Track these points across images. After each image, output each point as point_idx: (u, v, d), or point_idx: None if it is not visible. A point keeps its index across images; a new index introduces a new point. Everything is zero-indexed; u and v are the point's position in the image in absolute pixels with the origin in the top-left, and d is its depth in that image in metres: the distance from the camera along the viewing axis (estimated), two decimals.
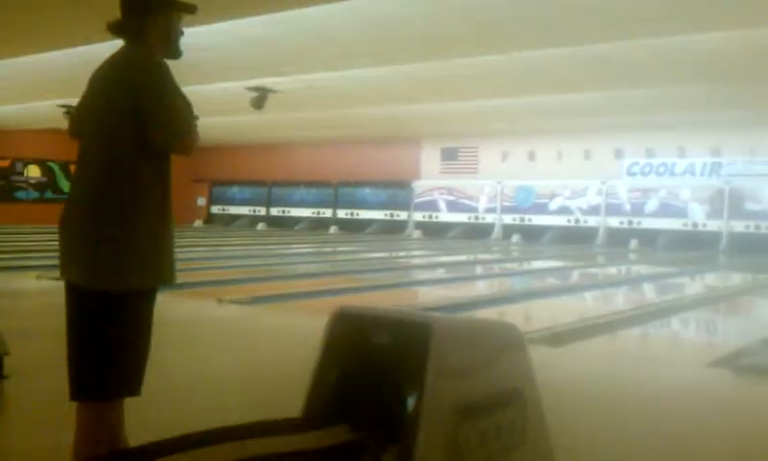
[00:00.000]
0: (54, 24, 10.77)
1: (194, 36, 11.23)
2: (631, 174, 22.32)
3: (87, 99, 2.67)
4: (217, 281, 10.47)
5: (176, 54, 2.74)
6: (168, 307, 8.46)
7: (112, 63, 2.63)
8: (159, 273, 2.57)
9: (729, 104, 16.82)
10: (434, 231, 24.55)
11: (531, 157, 24.00)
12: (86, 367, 2.48)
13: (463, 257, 18.13)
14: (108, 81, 2.60)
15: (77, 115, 2.72)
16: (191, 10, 2.74)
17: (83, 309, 2.49)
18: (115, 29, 2.67)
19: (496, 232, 23.73)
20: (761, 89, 14.96)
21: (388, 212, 25.77)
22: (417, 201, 25.34)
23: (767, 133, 20.01)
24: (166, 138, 2.52)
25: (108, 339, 2.47)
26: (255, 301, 8.42)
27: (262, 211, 28.87)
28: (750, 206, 20.16)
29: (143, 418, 3.60)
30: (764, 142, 20.37)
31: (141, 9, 2.63)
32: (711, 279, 14.98)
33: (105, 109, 2.55)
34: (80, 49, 12.07)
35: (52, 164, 26.90)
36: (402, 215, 25.55)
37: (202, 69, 13.24)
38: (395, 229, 25.26)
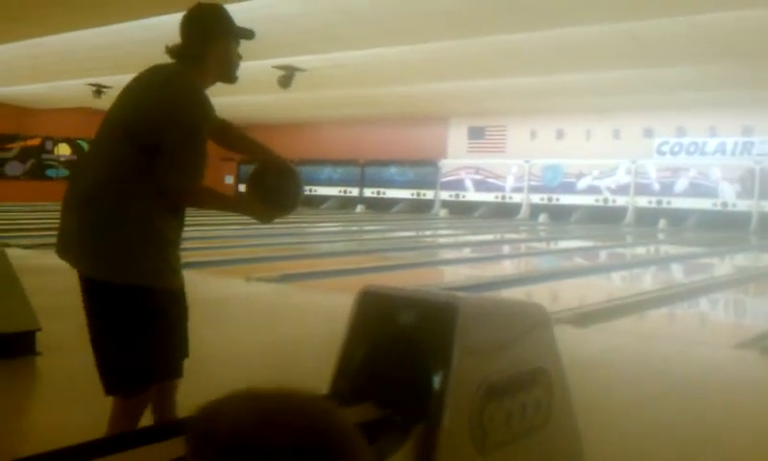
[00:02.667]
0: (81, 4, 10.85)
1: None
2: (660, 153, 22.07)
3: (126, 94, 2.67)
4: (245, 259, 10.56)
5: (232, 79, 2.79)
6: (195, 285, 8.54)
7: (161, 77, 2.63)
8: (161, 274, 2.57)
9: (760, 82, 16.54)
10: (461, 211, 24.50)
11: (559, 135, 23.81)
12: (105, 364, 2.53)
13: (489, 237, 18.09)
14: (149, 90, 2.61)
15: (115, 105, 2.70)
16: (250, 36, 2.78)
17: (100, 301, 2.53)
18: (175, 53, 2.68)
19: (523, 212, 23.62)
20: None
21: (414, 191, 25.74)
22: (443, 180, 25.27)
23: None
24: (168, 183, 2.49)
25: (123, 333, 2.51)
26: (283, 278, 8.48)
27: None
28: None
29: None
30: None
31: (203, 35, 2.67)
32: (741, 259, 14.82)
33: (135, 113, 2.57)
34: (106, 29, 12.17)
35: (81, 142, 27.17)
36: (429, 194, 25.50)
37: None
38: (421, 208, 25.24)
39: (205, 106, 2.61)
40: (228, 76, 2.77)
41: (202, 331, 5.55)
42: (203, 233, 14.46)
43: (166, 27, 13.37)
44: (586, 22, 11.27)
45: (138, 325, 2.50)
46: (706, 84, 16.75)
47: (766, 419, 3.93)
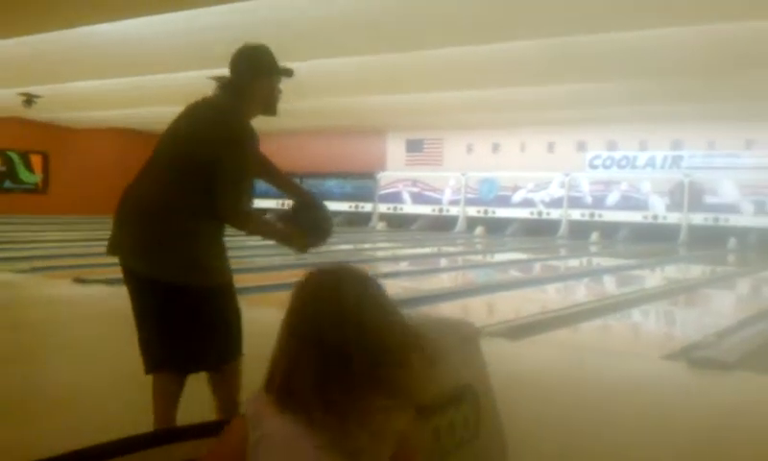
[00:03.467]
0: (10, 12, 10.57)
1: (156, 24, 11.11)
2: (593, 166, 22.56)
3: (181, 123, 3.10)
4: None
5: (273, 112, 3.22)
6: (127, 301, 8.37)
7: (215, 110, 3.07)
8: (209, 273, 3.00)
9: (689, 98, 17.05)
10: (398, 223, 24.59)
11: (495, 149, 24.14)
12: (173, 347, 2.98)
13: (427, 249, 18.18)
14: (205, 121, 3.04)
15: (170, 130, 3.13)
16: (290, 74, 3.20)
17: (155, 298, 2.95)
18: (224, 86, 3.11)
19: (460, 225, 23.83)
20: (720, 84, 15.20)
21: (353, 204, 25.74)
22: (381, 192, 25.35)
23: (726, 126, 20.33)
24: (223, 206, 2.92)
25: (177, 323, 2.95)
26: None
27: None
28: (709, 198, 20.48)
29: (95, 414, 3.56)
30: (723, 135, 20.71)
31: (251, 72, 3.11)
32: (671, 271, 15.21)
33: (192, 141, 2.99)
34: (37, 38, 11.87)
35: (11, 154, 26.39)
36: (367, 207, 25.54)
37: (164, 57, 13.10)
38: (359, 220, 25.24)
39: (254, 138, 3.04)
40: (271, 109, 3.20)
41: (137, 350, 5.44)
42: None
43: (99, 36, 13.10)
44: (519, 38, 11.45)
45: (201, 314, 2.95)
46: (636, 98, 17.19)
47: (691, 429, 4.01)
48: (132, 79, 16.06)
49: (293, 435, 1.47)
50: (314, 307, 1.54)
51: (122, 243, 3.01)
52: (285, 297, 1.62)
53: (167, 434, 2.09)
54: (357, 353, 1.49)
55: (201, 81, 15.59)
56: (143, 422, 2.74)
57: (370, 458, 1.50)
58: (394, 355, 1.53)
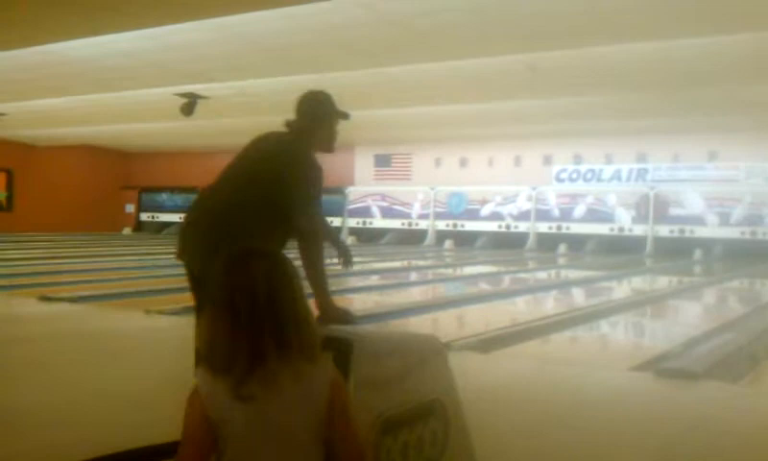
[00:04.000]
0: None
1: (120, 42, 11.04)
2: (559, 180, 22.76)
3: (252, 154, 3.57)
4: (145, 291, 10.25)
5: (331, 150, 3.70)
6: (92, 319, 8.27)
7: (285, 144, 3.56)
8: None
9: (653, 112, 17.31)
10: (368, 238, 24.59)
11: (463, 163, 24.27)
12: None
13: (397, 263, 18.19)
14: (278, 154, 3.49)
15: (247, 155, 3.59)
16: (347, 117, 3.68)
17: None
18: (289, 125, 3.62)
19: (429, 238, 23.90)
20: (684, 98, 15.45)
21: None
22: (350, 207, 25.35)
23: (690, 139, 20.66)
24: (300, 225, 3.34)
25: None
26: (186, 311, 8.26)
27: None
28: (674, 210, 20.76)
29: (62, 434, 3.51)
30: (688, 148, 21.03)
31: (311, 117, 3.62)
32: (638, 282, 15.36)
33: (266, 171, 3.43)
34: (0, 55, 11.75)
35: None
36: (336, 221, 25.49)
37: (128, 75, 13.02)
38: None
39: (321, 168, 3.48)
40: (329, 148, 3.69)
41: (102, 369, 5.38)
42: (100, 265, 14.02)
43: (63, 54, 12.95)
44: (487, 54, 11.56)
45: None
46: (601, 113, 17.41)
47: (659, 438, 4.04)
48: (97, 96, 15.92)
49: (223, 391, 1.73)
50: (227, 279, 1.80)
51: (193, 252, 3.52)
52: None
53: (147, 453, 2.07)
54: (267, 317, 1.75)
55: (165, 98, 15.59)
56: (114, 439, 2.70)
57: (295, 410, 1.75)
58: (297, 317, 1.79)
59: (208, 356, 1.76)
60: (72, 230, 25.52)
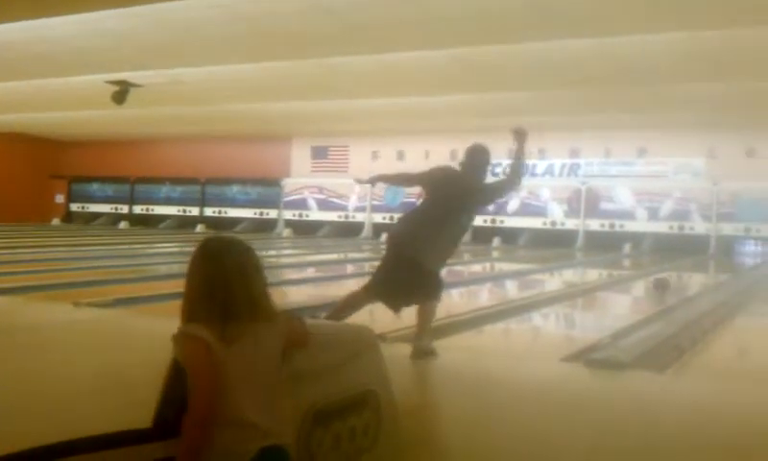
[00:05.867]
0: None
1: (48, 28, 10.72)
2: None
3: (446, 184, 6.18)
4: (73, 283, 10.00)
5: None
6: (18, 311, 8.03)
7: (468, 176, 6.36)
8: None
9: (586, 107, 17.63)
10: (304, 230, 24.46)
11: (400, 156, 24.32)
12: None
13: (333, 256, 18.15)
14: (465, 183, 6.25)
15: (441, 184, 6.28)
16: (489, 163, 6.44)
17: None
18: (461, 165, 6.14)
19: (366, 231, 23.90)
20: (616, 95, 15.78)
21: (257, 211, 25.48)
22: (287, 199, 25.18)
23: (621, 135, 21.11)
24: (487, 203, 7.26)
25: None
26: (117, 303, 8.09)
27: (125, 209, 27.85)
28: (604, 205, 21.21)
29: None
30: (619, 144, 21.50)
31: (469, 163, 6.35)
32: (569, 275, 15.66)
33: (465, 195, 6.20)
34: None
35: None
36: (272, 214, 25.32)
37: (56, 61, 12.66)
38: (264, 227, 25.00)
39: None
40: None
41: (27, 362, 5.22)
42: (27, 256, 13.64)
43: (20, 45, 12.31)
44: (418, 48, 11.61)
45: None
46: (535, 108, 17.65)
47: (590, 427, 4.12)
48: (23, 82, 15.45)
49: (212, 336, 2.12)
50: (202, 255, 2.25)
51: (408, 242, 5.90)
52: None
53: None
54: (238, 286, 2.18)
55: (97, 85, 15.19)
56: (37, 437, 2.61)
57: (264, 352, 2.17)
58: (261, 289, 2.27)
59: (191, 314, 2.18)
60: None
